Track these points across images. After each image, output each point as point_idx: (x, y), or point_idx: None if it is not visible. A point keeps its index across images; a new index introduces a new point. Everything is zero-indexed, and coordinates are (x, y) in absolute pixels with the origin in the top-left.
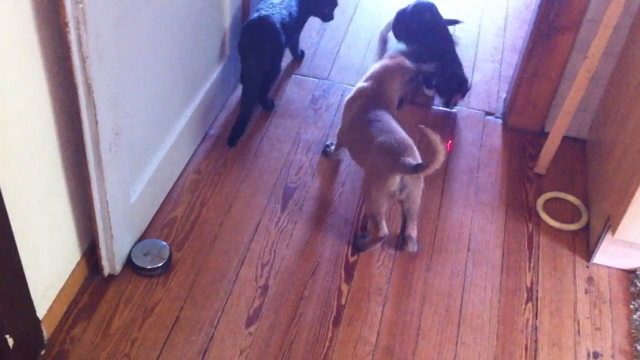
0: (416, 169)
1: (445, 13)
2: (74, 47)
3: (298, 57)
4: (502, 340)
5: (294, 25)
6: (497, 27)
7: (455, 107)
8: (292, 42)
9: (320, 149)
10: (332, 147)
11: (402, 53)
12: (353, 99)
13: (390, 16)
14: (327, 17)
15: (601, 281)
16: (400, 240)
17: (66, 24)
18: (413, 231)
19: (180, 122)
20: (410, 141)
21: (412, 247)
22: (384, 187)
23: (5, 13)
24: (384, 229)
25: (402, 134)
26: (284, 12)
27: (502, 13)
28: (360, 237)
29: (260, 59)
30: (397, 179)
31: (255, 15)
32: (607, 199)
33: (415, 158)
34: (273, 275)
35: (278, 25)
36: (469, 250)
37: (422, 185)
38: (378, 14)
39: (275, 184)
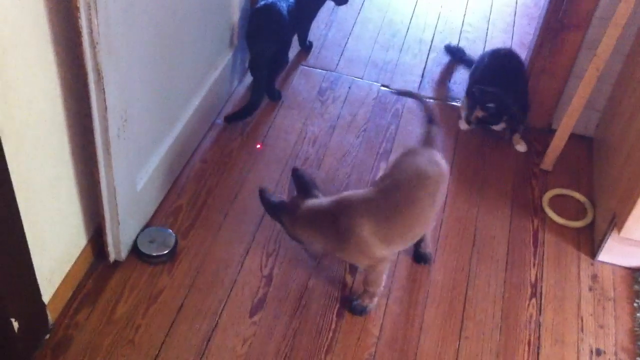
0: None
1: (455, 8)
2: (85, 33)
3: (305, 48)
4: (505, 335)
5: (303, 12)
6: (505, 23)
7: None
8: (302, 30)
9: (327, 140)
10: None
11: None
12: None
13: (397, 9)
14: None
15: (605, 279)
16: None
17: (77, 9)
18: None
19: (187, 110)
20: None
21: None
22: None
23: None
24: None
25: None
26: None
27: (511, 9)
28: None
29: (266, 46)
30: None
31: (262, 2)
32: (613, 197)
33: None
34: (278, 265)
35: (284, 12)
36: (473, 245)
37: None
38: (386, 6)
39: (281, 174)
